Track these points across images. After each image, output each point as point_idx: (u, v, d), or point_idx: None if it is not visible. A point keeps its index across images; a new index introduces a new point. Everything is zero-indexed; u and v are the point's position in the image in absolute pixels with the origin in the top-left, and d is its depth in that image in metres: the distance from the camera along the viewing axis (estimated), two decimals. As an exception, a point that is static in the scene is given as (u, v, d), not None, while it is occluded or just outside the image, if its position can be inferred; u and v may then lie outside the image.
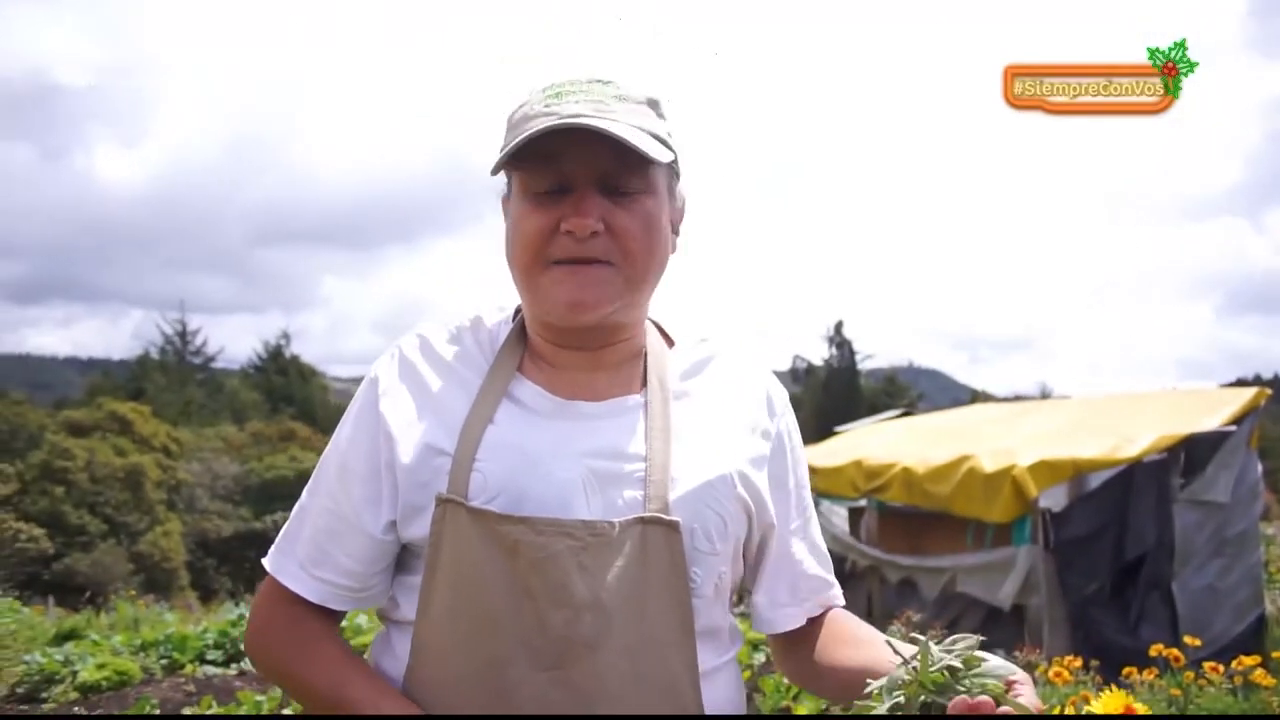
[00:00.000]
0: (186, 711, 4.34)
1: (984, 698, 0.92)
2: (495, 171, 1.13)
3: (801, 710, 4.51)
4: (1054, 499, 7.04)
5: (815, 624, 1.26)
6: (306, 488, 1.21)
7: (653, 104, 1.16)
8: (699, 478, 1.13)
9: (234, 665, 5.46)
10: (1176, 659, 4.31)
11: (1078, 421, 8.14)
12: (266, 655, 1.20)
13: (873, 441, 9.80)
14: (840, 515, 9.29)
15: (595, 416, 1.15)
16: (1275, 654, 5.47)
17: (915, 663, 0.96)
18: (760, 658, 5.55)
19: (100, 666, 4.93)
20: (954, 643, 0.98)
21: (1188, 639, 4.58)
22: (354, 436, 1.17)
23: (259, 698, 4.49)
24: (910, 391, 54.93)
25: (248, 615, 1.27)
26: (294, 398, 49.11)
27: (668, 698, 1.08)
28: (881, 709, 0.97)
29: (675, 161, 1.17)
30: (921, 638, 1.00)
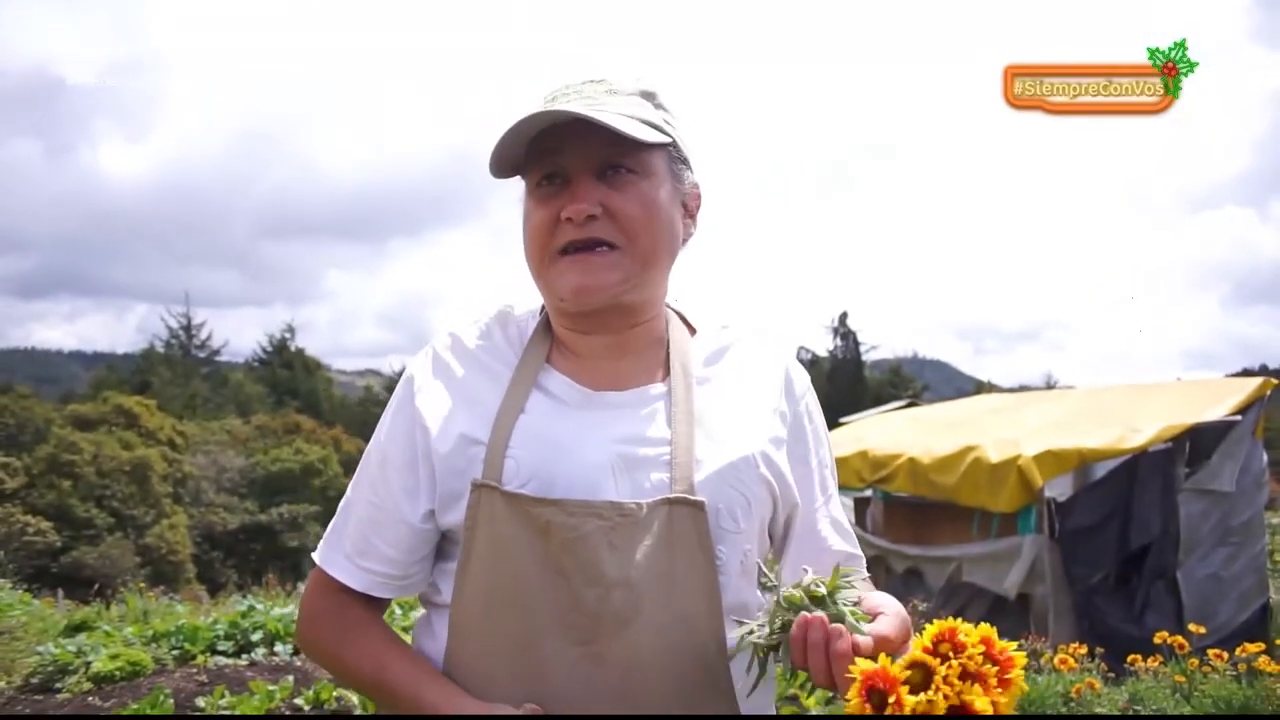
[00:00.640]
0: (200, 701, 4.38)
1: (820, 615, 0.99)
2: (497, 175, 1.19)
3: (810, 702, 4.54)
4: (1059, 488, 7.06)
5: None
6: (351, 483, 1.28)
7: (647, 95, 1.22)
8: (722, 459, 1.17)
9: (244, 656, 5.50)
10: (1181, 646, 4.34)
11: (1082, 411, 8.15)
12: (316, 643, 1.27)
13: (878, 432, 9.81)
14: (845, 505, 9.31)
15: (621, 405, 1.20)
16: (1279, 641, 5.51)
17: (783, 589, 1.04)
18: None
19: (113, 657, 4.97)
20: (840, 575, 1.05)
21: (1193, 627, 4.61)
22: (392, 431, 1.23)
23: (271, 687, 4.53)
24: (915, 382, 54.88)
25: (298, 606, 1.35)
26: (299, 391, 49.21)
27: (698, 670, 1.12)
28: (746, 627, 1.06)
29: (677, 147, 1.22)
30: (808, 568, 1.07)
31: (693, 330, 1.31)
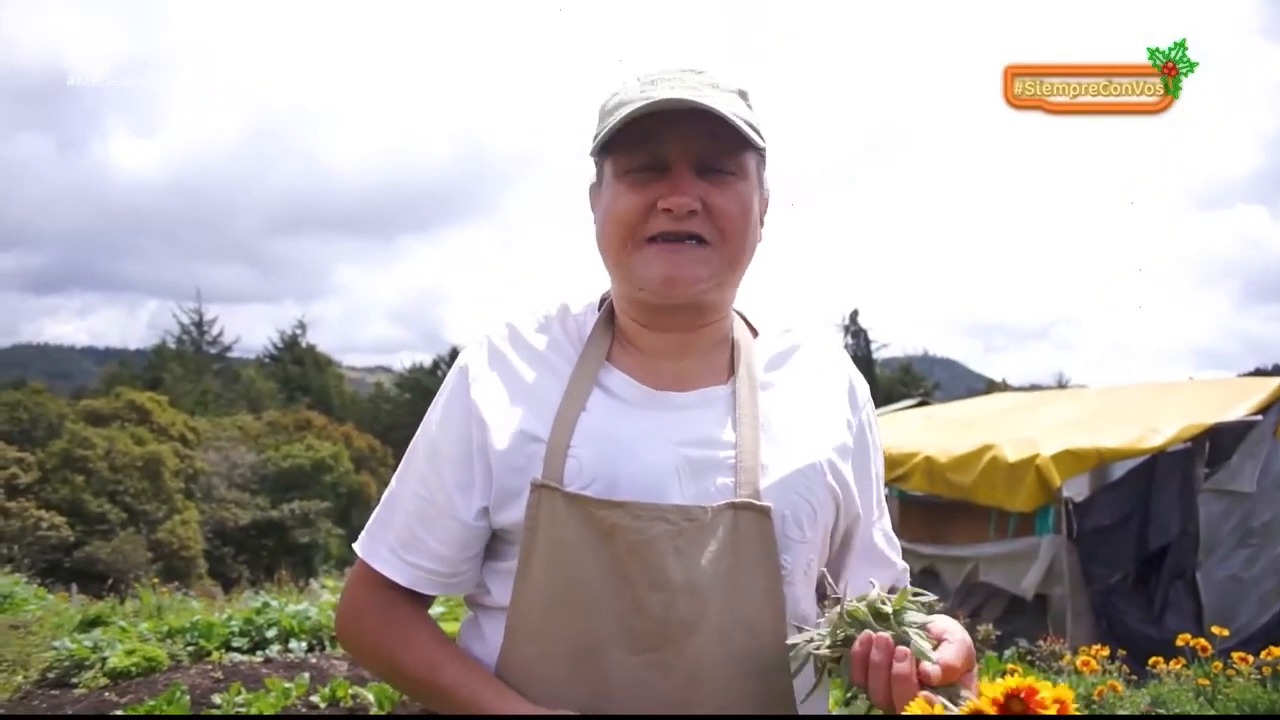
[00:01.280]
0: (216, 698, 4.38)
1: (884, 635, 0.96)
2: (594, 153, 1.16)
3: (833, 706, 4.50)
4: (1077, 488, 7.02)
5: None
6: (395, 474, 1.24)
7: (742, 94, 1.18)
8: (789, 466, 1.15)
9: (259, 652, 5.49)
10: (1204, 649, 4.29)
11: (1100, 410, 8.11)
12: (359, 638, 1.23)
13: (893, 431, 9.77)
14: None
15: (685, 406, 1.17)
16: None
17: (846, 601, 1.01)
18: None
19: (129, 653, 4.97)
20: (909, 593, 1.02)
21: (1215, 629, 4.56)
22: (444, 422, 1.19)
23: (287, 685, 4.52)
24: (926, 380, 54.84)
25: (339, 598, 1.29)
26: (310, 387, 49.41)
27: (760, 679, 1.09)
28: (804, 637, 1.04)
29: (764, 152, 1.19)
30: (874, 580, 1.05)
31: (755, 332, 1.29)
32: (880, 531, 1.29)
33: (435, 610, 3.92)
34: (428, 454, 1.20)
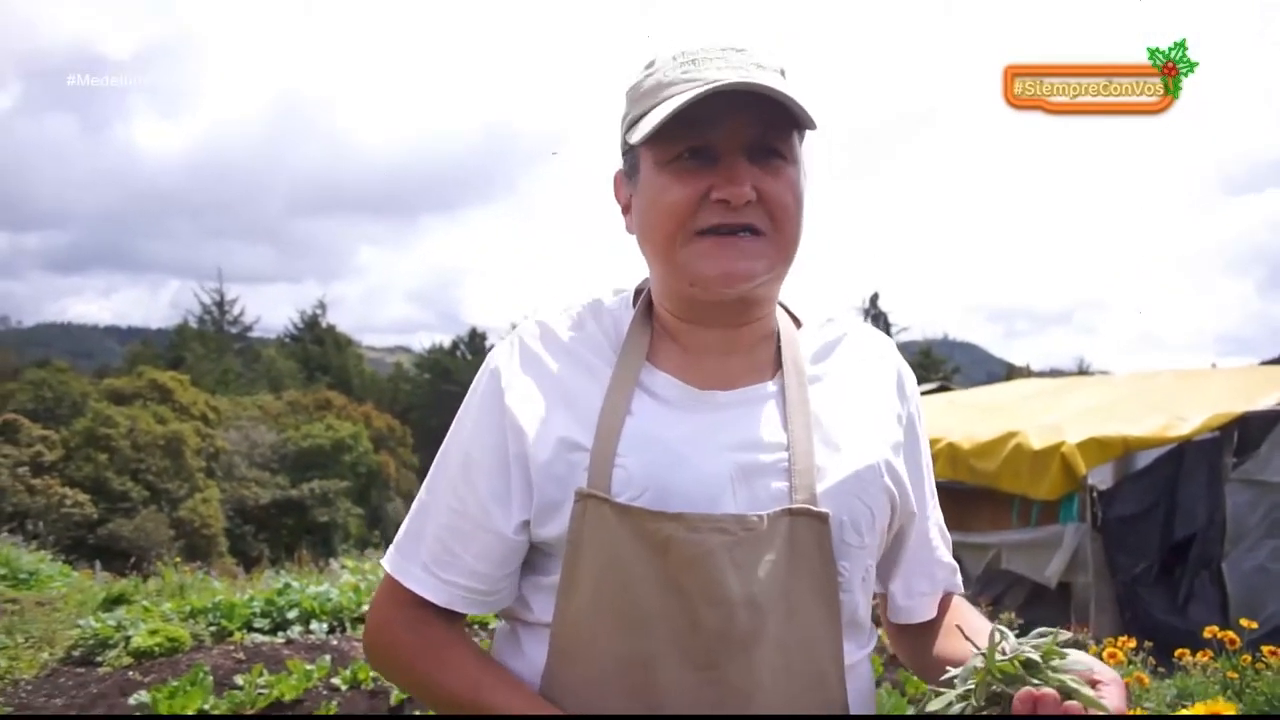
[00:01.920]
0: (238, 679, 4.40)
1: (1050, 691, 0.88)
2: (641, 141, 1.06)
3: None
4: (1101, 476, 6.95)
5: (940, 611, 1.24)
6: (425, 485, 1.16)
7: (782, 73, 1.10)
8: (846, 468, 1.08)
9: (281, 633, 5.52)
10: (1232, 641, 4.24)
11: (1126, 398, 8.03)
12: (391, 657, 1.16)
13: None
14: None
15: (731, 405, 1.10)
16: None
17: (1001, 648, 0.93)
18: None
19: (152, 633, 5.00)
20: (1037, 635, 0.95)
21: (1243, 621, 4.50)
22: (477, 430, 1.11)
23: (308, 667, 4.53)
24: (946, 364, 54.58)
25: (367, 616, 1.21)
26: (330, 367, 49.72)
27: (816, 693, 1.05)
28: (950, 697, 0.95)
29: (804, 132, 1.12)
30: (1002, 628, 0.97)
31: (798, 323, 1.21)
32: (935, 526, 1.23)
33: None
34: (460, 464, 1.12)
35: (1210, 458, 6.71)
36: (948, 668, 0.98)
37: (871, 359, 1.20)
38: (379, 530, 33.44)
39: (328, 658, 4.76)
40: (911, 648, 1.25)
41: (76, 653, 5.06)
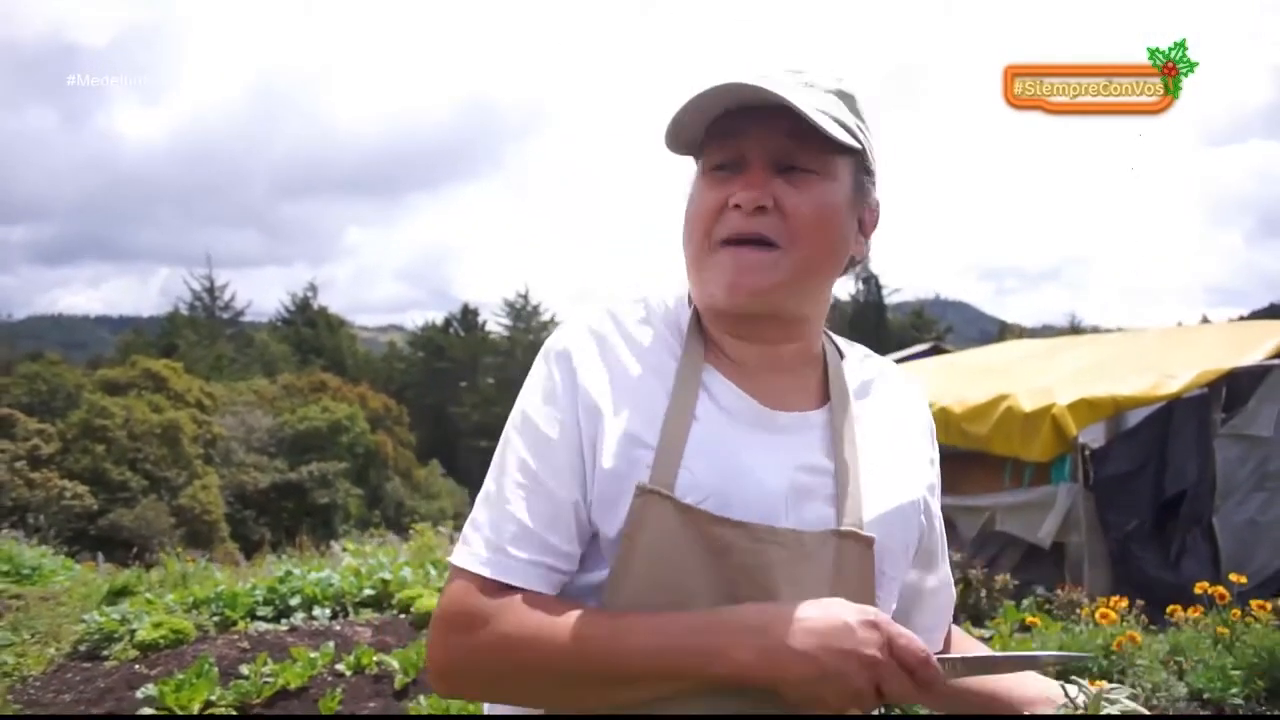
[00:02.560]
0: (243, 668, 4.45)
1: None
2: (676, 151, 1.11)
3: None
4: (1093, 435, 7.00)
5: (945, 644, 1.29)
6: (490, 475, 1.10)
7: (845, 96, 1.11)
8: (890, 502, 1.11)
9: (284, 621, 5.56)
10: (1221, 596, 4.29)
11: (1116, 357, 8.07)
12: (502, 660, 1.02)
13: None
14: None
15: (787, 429, 1.11)
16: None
17: (1078, 706, 0.96)
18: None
19: (156, 625, 5.04)
20: (1111, 692, 0.96)
21: (1233, 576, 4.56)
22: (549, 410, 1.08)
23: (312, 654, 4.58)
24: (938, 324, 54.70)
25: (429, 643, 1.08)
26: (323, 349, 49.71)
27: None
28: None
29: (866, 158, 1.12)
30: (1087, 686, 0.98)
31: (841, 354, 1.23)
32: (946, 567, 1.27)
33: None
34: (533, 446, 1.07)
35: (1199, 414, 6.76)
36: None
37: (906, 403, 1.23)
38: (379, 509, 33.59)
39: (331, 644, 4.82)
40: None
41: (83, 648, 5.10)
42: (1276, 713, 3.57)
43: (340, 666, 4.62)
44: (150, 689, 4.09)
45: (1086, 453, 6.81)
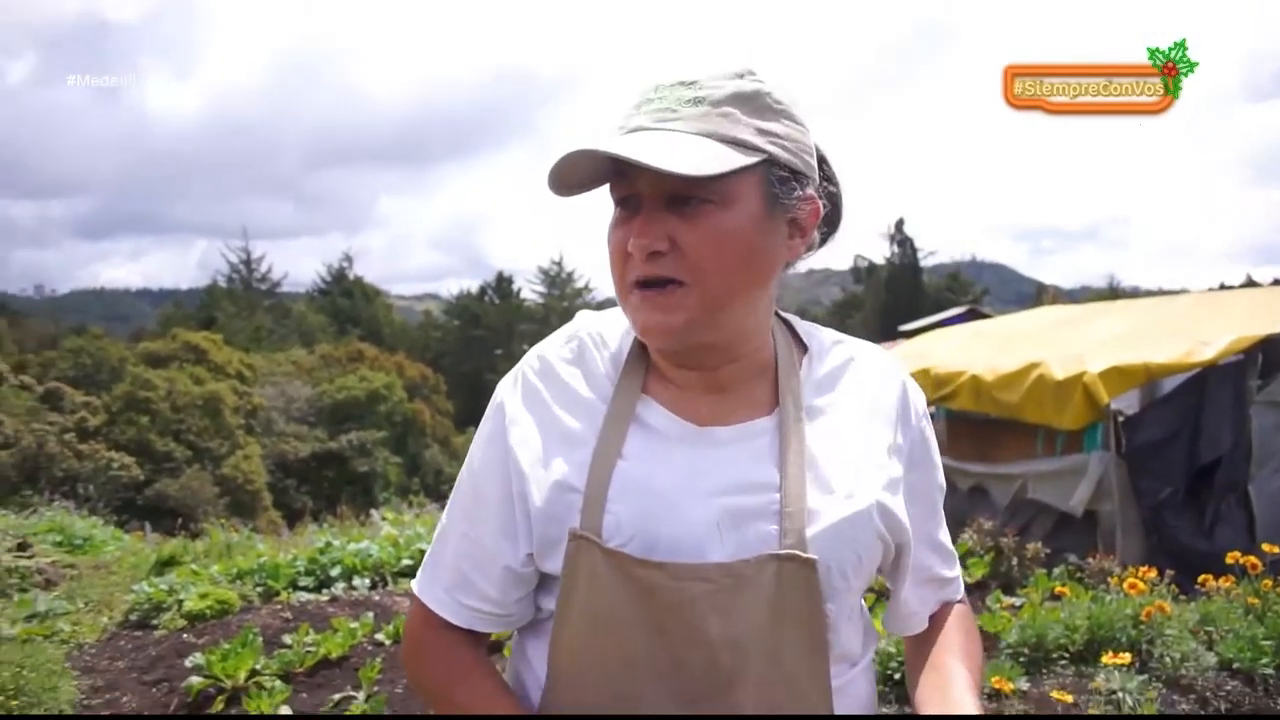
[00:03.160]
0: (286, 638, 4.58)
1: None
2: (562, 195, 1.07)
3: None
4: (1126, 402, 6.94)
5: (935, 622, 1.27)
6: (446, 510, 1.20)
7: (743, 98, 1.05)
8: (837, 514, 1.08)
9: (325, 591, 5.71)
10: (1254, 566, 4.28)
11: (1150, 324, 7.96)
12: (423, 676, 1.20)
13: (940, 349, 9.71)
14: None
15: (725, 443, 1.10)
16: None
17: None
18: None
19: (203, 596, 5.20)
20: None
21: (1266, 547, 4.54)
22: (485, 466, 1.15)
23: (353, 625, 4.71)
24: (974, 287, 53.99)
25: (403, 633, 1.29)
26: (360, 318, 50.13)
27: None
28: None
29: (775, 161, 1.05)
30: None
31: (804, 348, 1.20)
32: (933, 550, 1.24)
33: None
34: (472, 495, 1.16)
35: (1234, 381, 6.67)
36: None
37: (877, 387, 1.19)
38: (418, 477, 34.02)
39: (370, 614, 4.95)
40: (912, 656, 1.28)
41: (133, 617, 5.27)
42: (1258, 713, 3.57)
43: (380, 636, 4.74)
44: (198, 658, 4.23)
45: (1119, 420, 6.76)
